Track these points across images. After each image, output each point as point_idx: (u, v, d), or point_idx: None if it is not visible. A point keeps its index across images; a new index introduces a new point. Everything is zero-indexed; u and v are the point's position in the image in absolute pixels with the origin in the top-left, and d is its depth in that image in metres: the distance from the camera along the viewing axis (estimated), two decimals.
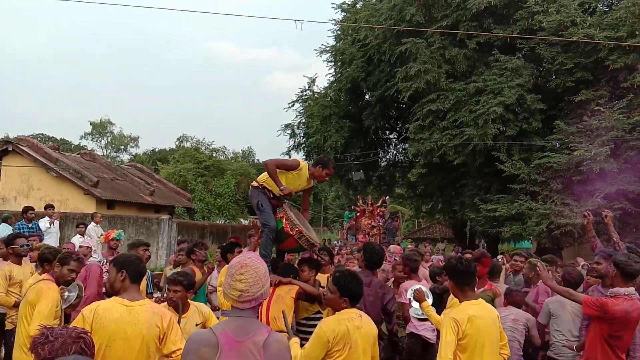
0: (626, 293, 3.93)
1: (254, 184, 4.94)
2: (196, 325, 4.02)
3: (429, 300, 4.89)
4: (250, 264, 2.34)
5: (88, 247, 6.89)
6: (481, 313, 3.46)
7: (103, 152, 48.10)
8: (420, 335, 5.37)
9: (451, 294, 4.52)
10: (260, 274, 2.33)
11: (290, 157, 19.35)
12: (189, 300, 4.18)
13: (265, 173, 4.87)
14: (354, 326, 3.16)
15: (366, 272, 4.74)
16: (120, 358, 2.81)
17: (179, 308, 4.01)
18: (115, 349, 2.80)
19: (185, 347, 2.25)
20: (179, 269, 6.41)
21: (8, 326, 5.04)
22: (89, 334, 2.22)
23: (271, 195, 4.83)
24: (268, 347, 2.24)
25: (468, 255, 6.57)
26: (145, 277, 5.55)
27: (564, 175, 12.66)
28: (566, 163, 12.40)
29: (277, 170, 4.71)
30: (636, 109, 12.50)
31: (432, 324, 4.78)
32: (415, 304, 5.00)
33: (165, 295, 6.09)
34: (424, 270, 7.09)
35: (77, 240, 9.42)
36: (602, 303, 3.97)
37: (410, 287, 5.10)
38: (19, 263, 5.25)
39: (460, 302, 3.55)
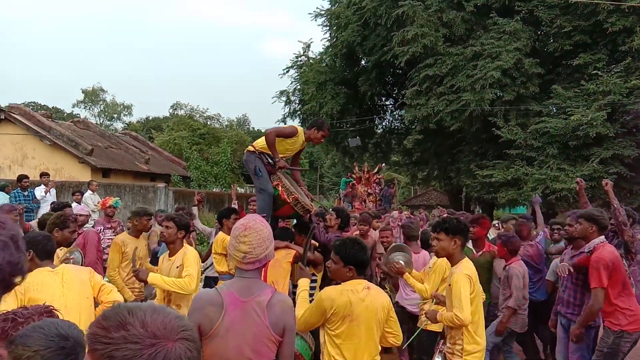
0: (601, 241, 4.31)
1: (250, 148, 4.91)
2: (177, 267, 4.06)
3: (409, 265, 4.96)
4: (253, 226, 2.35)
5: (88, 215, 6.87)
6: (474, 269, 3.63)
7: (96, 121, 47.63)
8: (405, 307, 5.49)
9: (435, 258, 4.63)
10: (263, 236, 2.35)
11: (285, 124, 19.27)
12: (185, 244, 4.25)
13: (263, 138, 4.86)
14: (358, 298, 2.94)
15: (338, 232, 5.19)
16: (65, 314, 2.88)
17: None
18: (58, 308, 2.90)
19: (191, 306, 2.28)
20: None
21: None
22: (57, 310, 2.14)
23: (267, 161, 4.82)
24: (272, 307, 2.28)
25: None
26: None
27: (560, 140, 12.68)
28: (563, 128, 12.39)
29: (276, 139, 4.72)
30: (634, 73, 12.45)
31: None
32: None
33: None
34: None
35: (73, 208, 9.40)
36: (602, 263, 4.14)
37: (390, 258, 5.10)
38: None
39: (458, 260, 3.60)
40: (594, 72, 12.63)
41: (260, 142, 4.87)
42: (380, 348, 3.10)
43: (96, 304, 3.34)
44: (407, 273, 4.66)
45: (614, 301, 4.20)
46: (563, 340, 4.84)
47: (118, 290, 4.77)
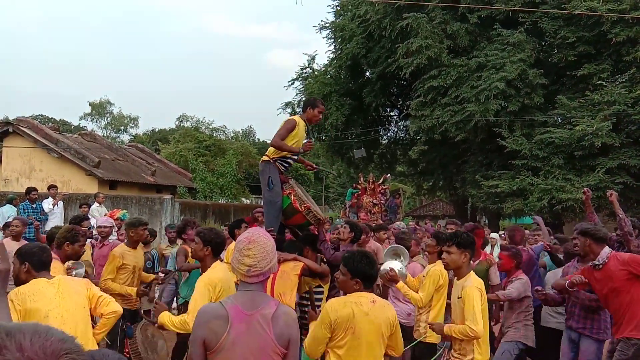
0: (610, 251, 4.22)
1: (265, 158, 4.87)
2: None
3: (404, 277, 4.95)
4: (258, 239, 2.37)
5: (112, 226, 6.82)
6: (482, 282, 3.73)
7: (103, 133, 48.04)
8: None
9: (429, 266, 4.66)
10: (267, 250, 2.37)
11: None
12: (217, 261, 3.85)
13: (272, 148, 4.88)
14: (362, 311, 2.91)
15: (350, 245, 5.15)
16: (61, 325, 2.92)
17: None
18: (54, 318, 2.97)
19: (196, 320, 2.29)
20: (175, 247, 6.47)
21: None
22: None
23: (283, 168, 4.84)
24: (277, 319, 2.29)
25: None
26: (146, 258, 5.62)
27: (565, 150, 12.67)
28: (568, 138, 12.39)
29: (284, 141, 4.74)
30: (639, 83, 12.46)
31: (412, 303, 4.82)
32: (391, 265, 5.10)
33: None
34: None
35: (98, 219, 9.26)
36: (632, 260, 4.10)
37: (383, 267, 5.09)
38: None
39: (465, 273, 3.69)
40: (599, 82, 12.65)
41: (272, 150, 4.85)
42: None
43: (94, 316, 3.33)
44: (400, 282, 4.68)
45: (633, 308, 4.13)
46: (568, 355, 4.79)
47: (117, 291, 4.75)
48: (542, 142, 12.92)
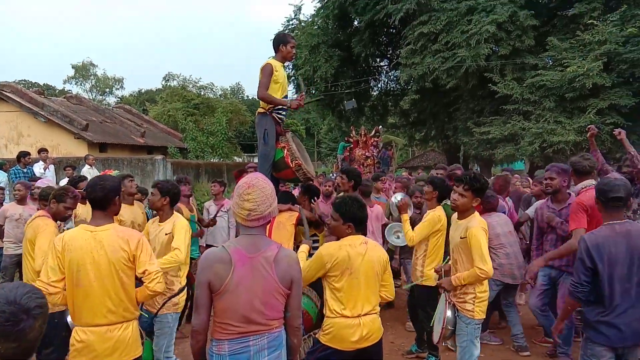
0: (592, 184, 4.27)
1: (260, 110, 4.78)
2: (165, 234, 4.09)
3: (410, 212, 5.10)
4: (257, 184, 2.38)
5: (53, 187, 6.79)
6: (485, 222, 3.77)
7: (88, 96, 47.16)
8: None
9: (428, 212, 4.79)
10: (267, 194, 2.38)
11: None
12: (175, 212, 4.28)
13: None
14: (357, 253, 3.05)
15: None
16: (91, 281, 2.87)
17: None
18: (85, 273, 2.88)
19: (200, 265, 2.33)
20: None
21: None
22: None
23: (279, 118, 4.77)
24: (279, 261, 2.34)
25: (458, 172, 6.61)
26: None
27: (556, 92, 12.61)
28: (559, 80, 12.31)
29: (269, 90, 4.63)
30: (629, 21, 12.28)
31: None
32: (394, 239, 5.22)
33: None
34: None
35: (64, 182, 9.28)
36: (583, 205, 4.19)
37: (395, 196, 5.20)
38: (83, 203, 5.25)
39: (470, 214, 3.72)
40: (590, 21, 12.47)
41: (264, 103, 4.76)
42: (379, 299, 3.19)
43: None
44: (405, 215, 4.78)
45: None
46: (541, 289, 4.94)
47: None
48: (533, 85, 12.85)
